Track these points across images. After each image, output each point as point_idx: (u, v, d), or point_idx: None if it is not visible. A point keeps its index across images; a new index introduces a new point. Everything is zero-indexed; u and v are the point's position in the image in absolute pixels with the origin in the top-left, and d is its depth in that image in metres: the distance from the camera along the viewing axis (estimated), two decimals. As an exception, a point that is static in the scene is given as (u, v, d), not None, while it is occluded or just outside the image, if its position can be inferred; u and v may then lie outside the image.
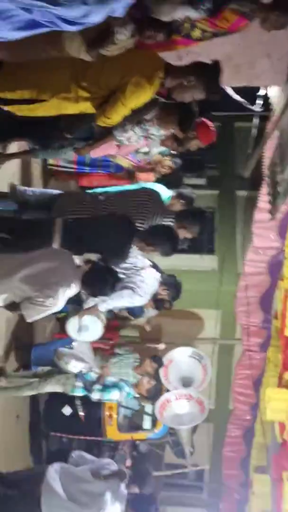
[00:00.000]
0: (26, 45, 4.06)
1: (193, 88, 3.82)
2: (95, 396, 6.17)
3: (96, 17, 2.34)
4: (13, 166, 5.68)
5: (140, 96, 3.83)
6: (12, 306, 3.96)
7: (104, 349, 7.00)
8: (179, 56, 4.49)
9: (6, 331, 6.08)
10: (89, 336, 5.83)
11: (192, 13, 2.30)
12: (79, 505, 4.30)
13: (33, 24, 2.48)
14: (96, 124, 4.51)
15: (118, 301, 5.07)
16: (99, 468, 4.73)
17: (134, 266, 4.99)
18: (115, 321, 7.46)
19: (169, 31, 3.95)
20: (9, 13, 2.42)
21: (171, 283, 5.52)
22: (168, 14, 2.33)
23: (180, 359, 6.75)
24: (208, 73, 3.82)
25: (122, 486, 4.58)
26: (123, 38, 3.92)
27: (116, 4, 2.32)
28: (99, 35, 4.00)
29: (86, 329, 5.69)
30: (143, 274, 5.06)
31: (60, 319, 7.21)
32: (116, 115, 3.93)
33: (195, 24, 4.31)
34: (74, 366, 5.61)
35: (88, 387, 6.17)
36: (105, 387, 6.17)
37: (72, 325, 5.50)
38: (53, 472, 4.49)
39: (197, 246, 7.04)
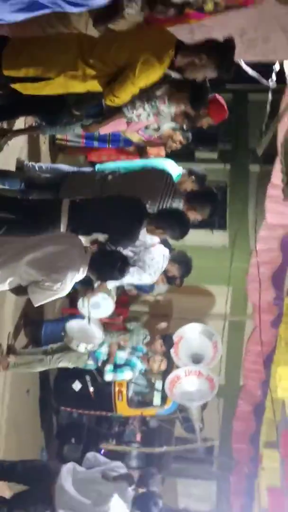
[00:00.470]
0: (31, 20, 3.95)
1: (204, 66, 3.68)
2: (108, 377, 6.22)
3: None
4: (20, 142, 5.57)
5: (150, 75, 3.70)
6: (19, 290, 3.92)
7: (114, 325, 6.99)
8: (191, 30, 4.32)
9: (15, 308, 6.06)
10: (101, 313, 5.83)
11: None
12: (88, 504, 4.59)
13: (35, 5, 2.37)
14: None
15: (127, 279, 5.01)
16: (109, 470, 4.96)
17: (144, 245, 4.92)
18: (125, 297, 7.43)
19: (181, 5, 3.79)
20: None
21: (181, 259, 5.46)
22: None
23: (190, 336, 6.69)
24: (220, 51, 3.67)
25: (130, 489, 4.82)
26: (132, 12, 3.77)
27: None
28: (107, 8, 3.85)
29: (98, 307, 5.71)
30: (152, 252, 5.00)
31: (70, 294, 7.19)
32: (125, 94, 3.81)
33: (208, -4, 4.16)
34: (84, 347, 5.62)
35: (99, 365, 6.22)
36: (117, 367, 6.19)
37: (83, 304, 5.48)
38: (66, 472, 4.77)
39: (208, 222, 6.94)
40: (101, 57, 3.69)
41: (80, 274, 3.81)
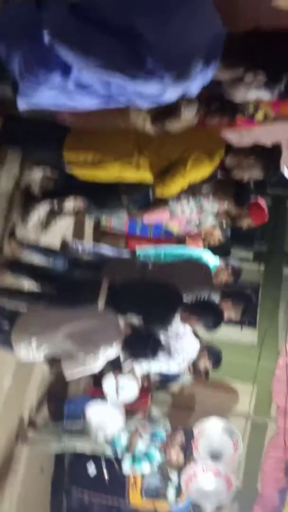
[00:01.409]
0: (93, 113, 4.29)
1: (252, 168, 3.92)
2: (126, 470, 6.15)
3: (172, 95, 2.42)
4: (67, 222, 5.86)
5: (200, 171, 3.95)
6: (52, 362, 4.02)
7: (135, 411, 6.95)
8: (240, 135, 4.62)
9: (41, 381, 6.13)
10: (125, 397, 5.83)
11: (266, 96, 2.39)
12: None
13: (112, 100, 2.60)
14: (153, 192, 4.69)
15: (155, 364, 5.07)
16: None
17: (176, 333, 5.00)
18: (149, 384, 7.41)
19: (234, 112, 4.10)
20: (88, 88, 2.56)
21: (213, 351, 5.52)
22: (242, 96, 2.43)
23: (211, 432, 6.60)
24: (268, 155, 3.92)
25: None
26: (189, 115, 4.07)
27: (191, 83, 2.41)
28: (164, 110, 4.16)
29: (122, 389, 5.71)
30: (183, 341, 5.07)
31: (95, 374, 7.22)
32: (174, 186, 4.05)
33: (259, 106, 4.48)
34: (103, 436, 5.62)
35: (117, 454, 6.17)
36: (136, 459, 6.12)
37: (108, 384, 5.52)
38: None
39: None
40: (156, 151, 3.96)
41: (114, 350, 3.92)
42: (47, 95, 2.65)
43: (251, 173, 3.96)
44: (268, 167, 3.90)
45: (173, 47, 2.25)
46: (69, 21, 2.22)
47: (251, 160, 3.89)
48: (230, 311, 4.84)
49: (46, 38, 2.27)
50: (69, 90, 2.60)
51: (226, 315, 4.77)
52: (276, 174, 4.02)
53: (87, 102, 2.66)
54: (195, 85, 2.44)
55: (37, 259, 4.98)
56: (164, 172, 4.03)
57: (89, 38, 2.25)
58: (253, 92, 2.47)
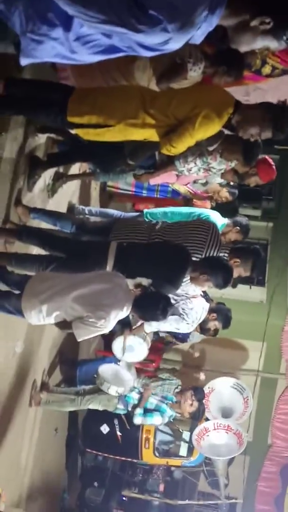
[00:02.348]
0: (96, 72, 4.20)
1: (260, 126, 3.81)
2: (137, 421, 6.19)
3: (176, 44, 2.36)
4: (73, 186, 5.83)
5: (209, 129, 3.86)
6: (63, 325, 4.04)
7: (146, 371, 7.03)
8: (247, 92, 4.52)
9: (52, 345, 6.18)
10: (134, 357, 5.88)
11: (273, 44, 2.30)
12: None
13: (112, 49, 2.53)
14: (158, 153, 4.62)
15: (164, 324, 5.09)
16: None
17: (186, 294, 5.00)
18: (159, 344, 7.49)
19: (241, 70, 3.99)
20: (89, 37, 2.49)
21: (222, 312, 5.53)
22: (248, 44, 2.34)
23: (222, 389, 6.71)
24: (275, 112, 3.83)
25: None
26: (195, 75, 3.97)
27: (196, 32, 2.33)
28: (170, 68, 4.06)
29: (132, 350, 5.76)
30: (193, 302, 5.07)
31: (105, 336, 7.28)
32: (182, 145, 3.97)
33: (266, 60, 4.36)
34: (115, 391, 5.67)
35: (129, 410, 6.22)
36: (147, 412, 6.18)
37: (118, 345, 5.56)
38: None
39: (247, 277, 7.07)
40: (162, 109, 3.85)
41: (124, 312, 3.93)
42: (49, 49, 2.59)
43: (259, 131, 3.86)
44: (276, 125, 3.81)
45: (177, -4, 2.18)
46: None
47: (259, 118, 3.80)
48: (239, 268, 4.81)
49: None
50: (70, 42, 2.54)
51: (235, 272, 4.73)
52: (285, 130, 3.91)
53: (89, 54, 2.58)
54: (199, 33, 2.36)
55: (44, 224, 4.96)
56: (171, 131, 3.95)
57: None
58: (259, 40, 2.37)
